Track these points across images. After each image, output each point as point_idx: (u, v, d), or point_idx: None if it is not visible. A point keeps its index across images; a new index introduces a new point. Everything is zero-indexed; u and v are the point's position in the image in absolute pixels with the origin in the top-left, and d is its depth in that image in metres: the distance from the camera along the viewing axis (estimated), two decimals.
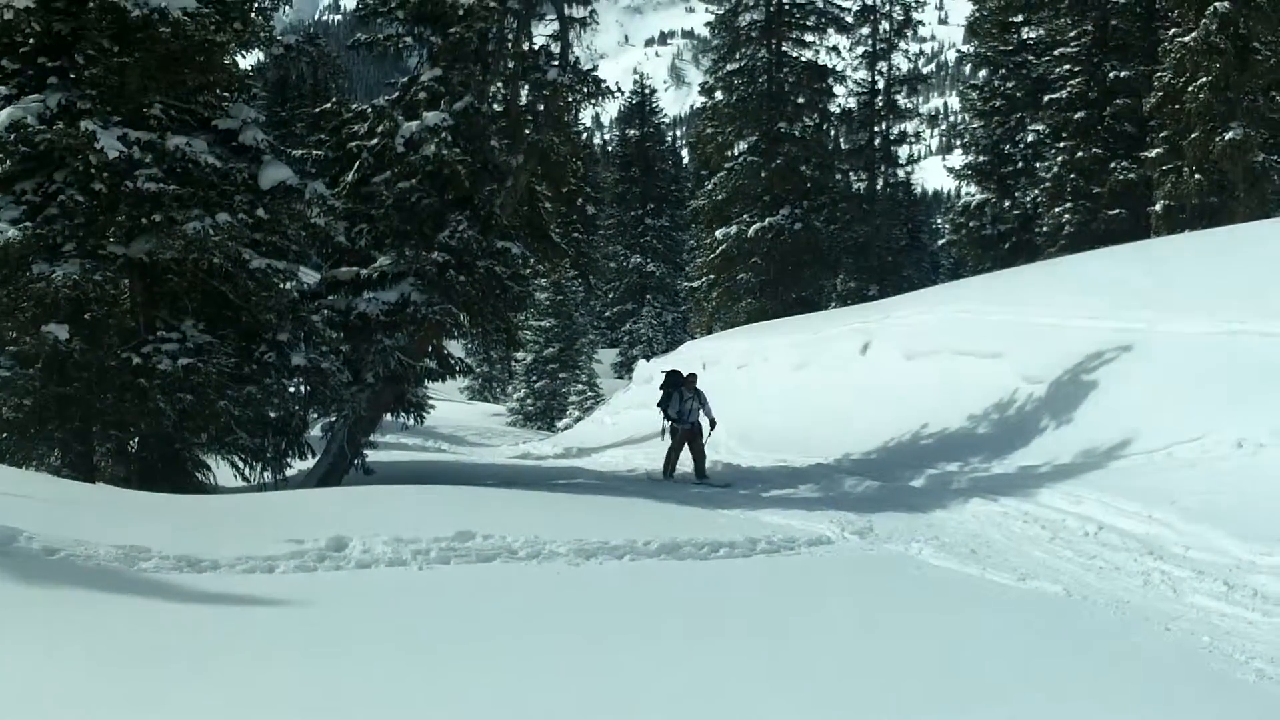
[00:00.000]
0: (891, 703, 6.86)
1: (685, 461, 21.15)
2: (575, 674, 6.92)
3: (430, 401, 22.61)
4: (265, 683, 6.31)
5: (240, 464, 17.40)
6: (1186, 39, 33.47)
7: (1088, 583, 10.85)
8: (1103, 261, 25.24)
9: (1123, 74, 39.95)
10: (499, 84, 20.92)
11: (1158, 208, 35.61)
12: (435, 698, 6.30)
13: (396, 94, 20.13)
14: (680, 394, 21.22)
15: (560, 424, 48.54)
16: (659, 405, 21.54)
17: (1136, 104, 38.45)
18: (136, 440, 16.29)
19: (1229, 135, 32.63)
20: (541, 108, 20.84)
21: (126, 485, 14.67)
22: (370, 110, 19.79)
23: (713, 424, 21.30)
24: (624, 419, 34.20)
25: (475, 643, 7.50)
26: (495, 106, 20.91)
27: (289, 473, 18.28)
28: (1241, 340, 16.34)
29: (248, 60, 19.00)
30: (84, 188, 14.79)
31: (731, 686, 6.90)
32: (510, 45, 20.50)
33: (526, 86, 20.93)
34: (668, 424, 21.31)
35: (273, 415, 17.29)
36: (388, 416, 21.67)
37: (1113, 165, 39.82)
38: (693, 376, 21.85)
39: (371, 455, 21.10)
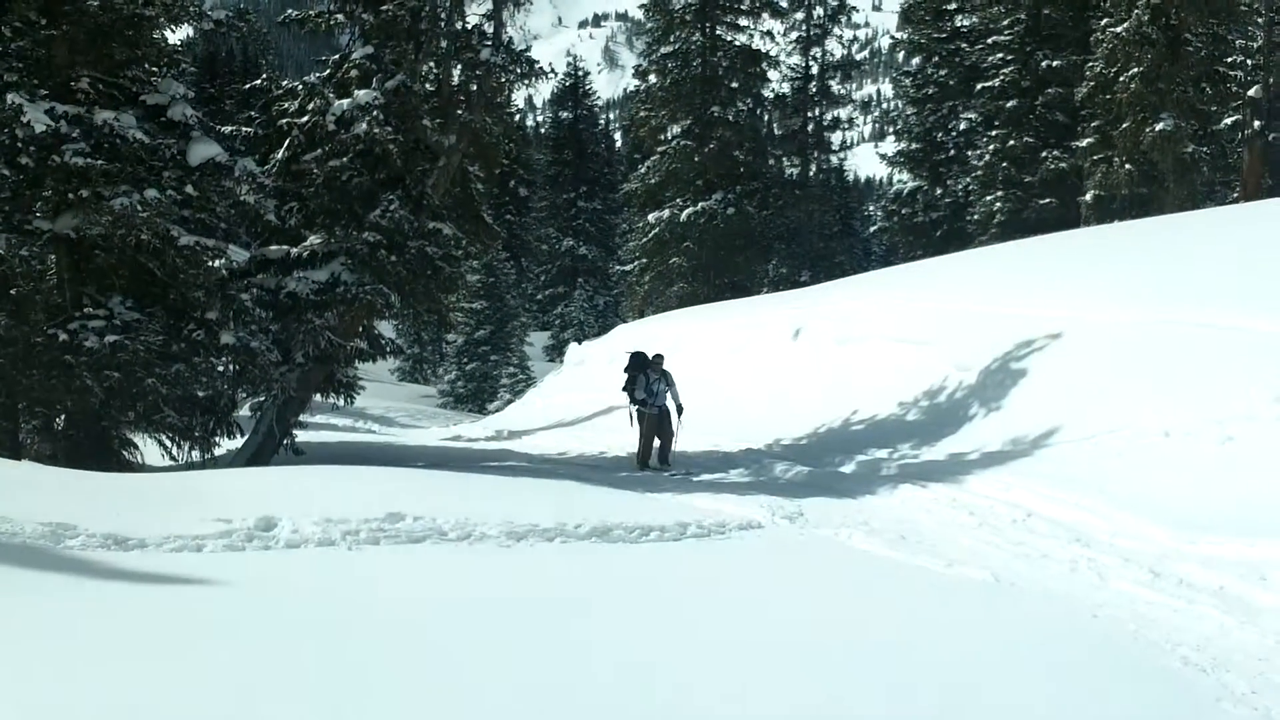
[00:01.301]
0: (816, 684, 6.88)
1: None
2: (505, 656, 6.88)
3: (360, 382, 22.42)
4: (190, 661, 6.24)
5: (168, 443, 17.24)
6: (1119, 29, 33.77)
7: (1015, 569, 10.93)
8: (1033, 250, 25.46)
9: (1055, 63, 40.29)
10: (431, 63, 20.78)
11: (1088, 197, 35.93)
12: (358, 680, 6.24)
13: (328, 71, 19.95)
14: (646, 376, 20.14)
15: (491, 406, 48.48)
16: (624, 389, 20.48)
17: (1068, 93, 38.79)
18: (63, 418, 16.13)
19: (1159, 126, 32.98)
20: (474, 88, 20.72)
21: (53, 463, 14.48)
22: (301, 87, 19.61)
23: (679, 409, 20.15)
24: (555, 402, 34.17)
25: (400, 626, 7.45)
26: (428, 86, 20.78)
27: (217, 452, 18.13)
28: (1169, 330, 16.48)
29: (177, 35, 18.80)
30: (10, 161, 14.63)
31: (660, 669, 6.90)
32: (443, 24, 20.36)
33: (459, 66, 20.80)
34: (634, 408, 20.21)
35: (201, 394, 17.15)
36: (317, 397, 21.54)
37: (1044, 154, 40.18)
38: (659, 357, 20.58)
39: (301, 435, 20.95)
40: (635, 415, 20.20)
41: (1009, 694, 7.11)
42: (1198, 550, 10.96)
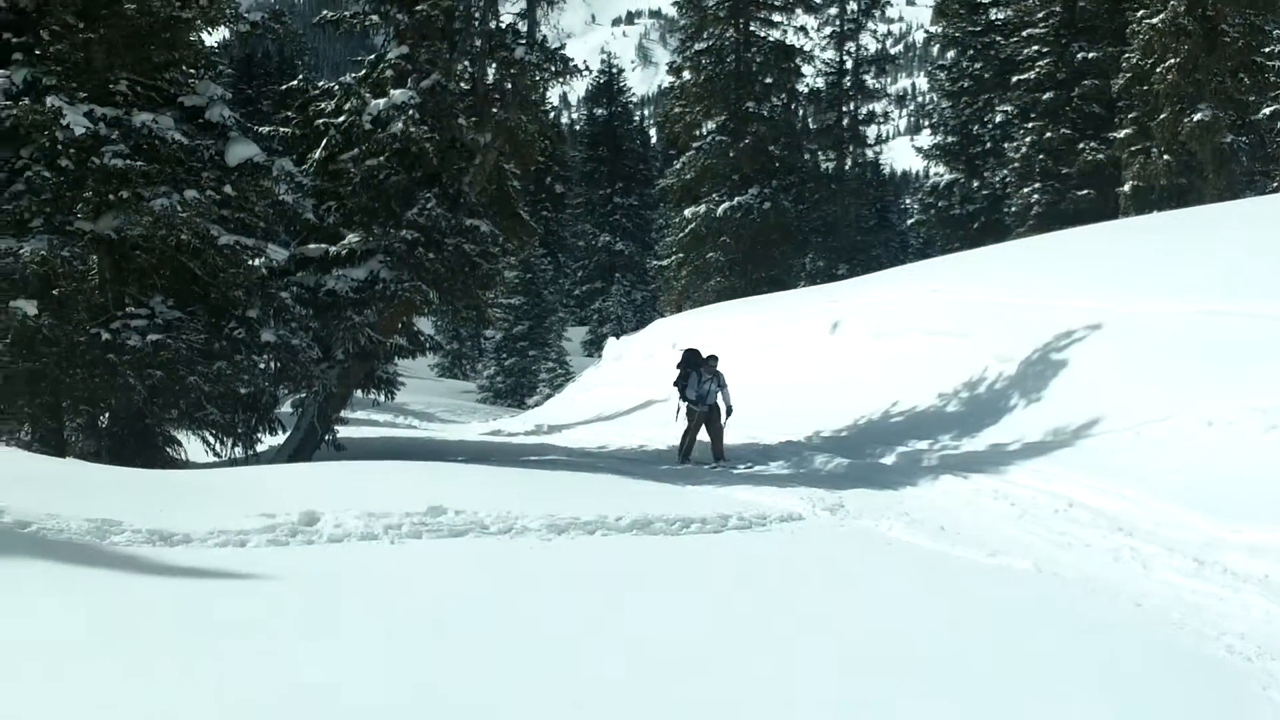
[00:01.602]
0: (863, 676, 6.90)
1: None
2: (548, 652, 6.93)
3: (400, 378, 22.54)
4: (237, 656, 6.30)
5: (211, 439, 17.40)
6: (1154, 20, 33.58)
7: (1057, 559, 10.90)
8: (1072, 241, 25.34)
9: (1091, 55, 40.10)
10: (466, 62, 20.82)
11: (1126, 188, 35.75)
12: (403, 677, 6.30)
13: (363, 71, 20.07)
14: (699, 375, 19.93)
15: (530, 401, 48.56)
16: (675, 384, 20.32)
17: (1105, 85, 38.60)
18: (107, 416, 16.27)
19: (1197, 116, 32.79)
20: (509, 86, 20.76)
21: (97, 460, 14.61)
22: (337, 88, 19.73)
23: (729, 411, 19.88)
24: (594, 396, 34.22)
25: (447, 619, 7.50)
26: (462, 85, 20.82)
27: (260, 448, 18.26)
28: (1209, 320, 16.40)
29: (214, 37, 18.96)
30: (51, 164, 14.75)
31: (709, 659, 6.93)
32: (477, 23, 20.42)
33: (494, 65, 20.84)
34: (683, 404, 20.06)
35: (243, 391, 17.25)
36: (358, 393, 21.62)
37: (1081, 146, 40.00)
38: (713, 358, 20.25)
39: (342, 431, 21.06)
40: (683, 411, 20.08)
41: (1053, 684, 7.11)
42: (1242, 539, 10.91)
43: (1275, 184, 37.21)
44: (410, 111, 18.69)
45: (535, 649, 6.87)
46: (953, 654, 7.50)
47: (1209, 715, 6.95)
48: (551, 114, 46.26)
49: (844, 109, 51.07)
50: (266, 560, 8.69)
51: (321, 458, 18.81)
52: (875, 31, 52.58)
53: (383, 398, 21.87)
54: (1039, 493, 13.90)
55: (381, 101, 18.86)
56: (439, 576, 8.79)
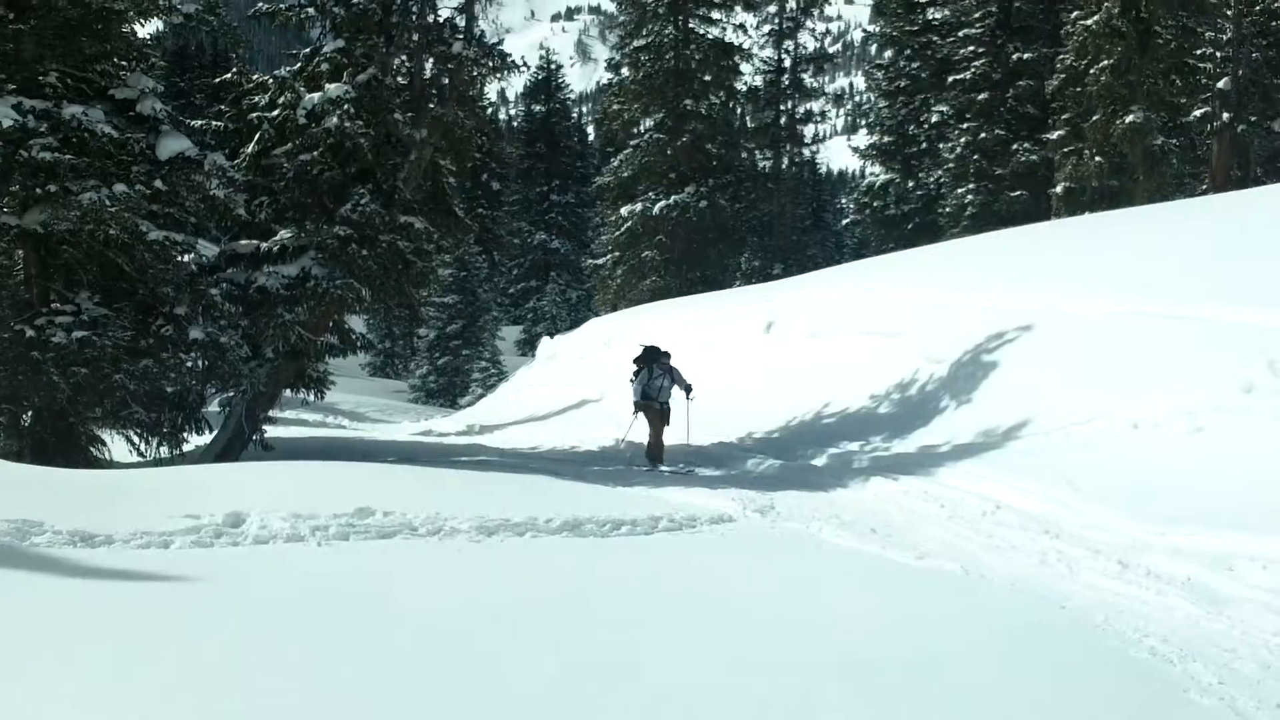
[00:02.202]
0: (790, 675, 6.88)
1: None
2: (471, 652, 6.87)
3: (331, 377, 22.36)
4: (154, 658, 6.21)
5: (136, 439, 17.17)
6: (1089, 22, 33.89)
7: (985, 561, 10.97)
8: (1004, 242, 25.54)
9: (1025, 56, 40.43)
10: (403, 57, 20.69)
11: (1059, 189, 36.07)
12: (324, 676, 6.23)
13: (298, 65, 19.89)
14: (651, 370, 19.69)
15: (463, 401, 48.43)
16: (631, 381, 20.04)
17: (1039, 86, 38.94)
18: (30, 414, 16.02)
19: (1129, 118, 33.13)
20: (446, 81, 20.67)
21: (19, 459, 14.39)
22: (271, 81, 19.55)
23: (688, 390, 19.68)
24: (527, 396, 34.14)
25: (372, 621, 7.43)
26: (399, 80, 20.69)
27: (186, 448, 18.05)
28: (1139, 321, 16.54)
29: (146, 29, 18.72)
30: None
31: (640, 661, 6.89)
32: (415, 18, 20.29)
33: (431, 60, 20.74)
34: (636, 402, 19.77)
35: (169, 390, 17.06)
36: (287, 392, 21.43)
37: (1015, 147, 40.32)
38: (665, 354, 19.97)
39: (270, 431, 20.86)
40: (636, 409, 19.84)
41: (977, 686, 7.13)
42: (1166, 541, 11.01)
43: (1205, 186, 37.63)
44: (345, 106, 18.54)
45: (450, 648, 6.81)
46: (877, 656, 7.50)
47: (1131, 717, 6.99)
48: (489, 110, 45.94)
49: (782, 108, 51.19)
50: (189, 562, 8.59)
51: (249, 458, 18.63)
52: (814, 30, 52.70)
53: (312, 397, 21.65)
54: (968, 494, 13.97)
55: (316, 96, 18.70)
56: (362, 578, 8.70)
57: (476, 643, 7.09)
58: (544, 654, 6.94)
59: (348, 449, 22.53)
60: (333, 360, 21.87)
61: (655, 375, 19.65)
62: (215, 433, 19.33)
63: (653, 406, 19.57)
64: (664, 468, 18.51)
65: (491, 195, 68.49)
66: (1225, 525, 10.81)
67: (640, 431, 19.96)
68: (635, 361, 20.14)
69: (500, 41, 21.73)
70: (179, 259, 16.61)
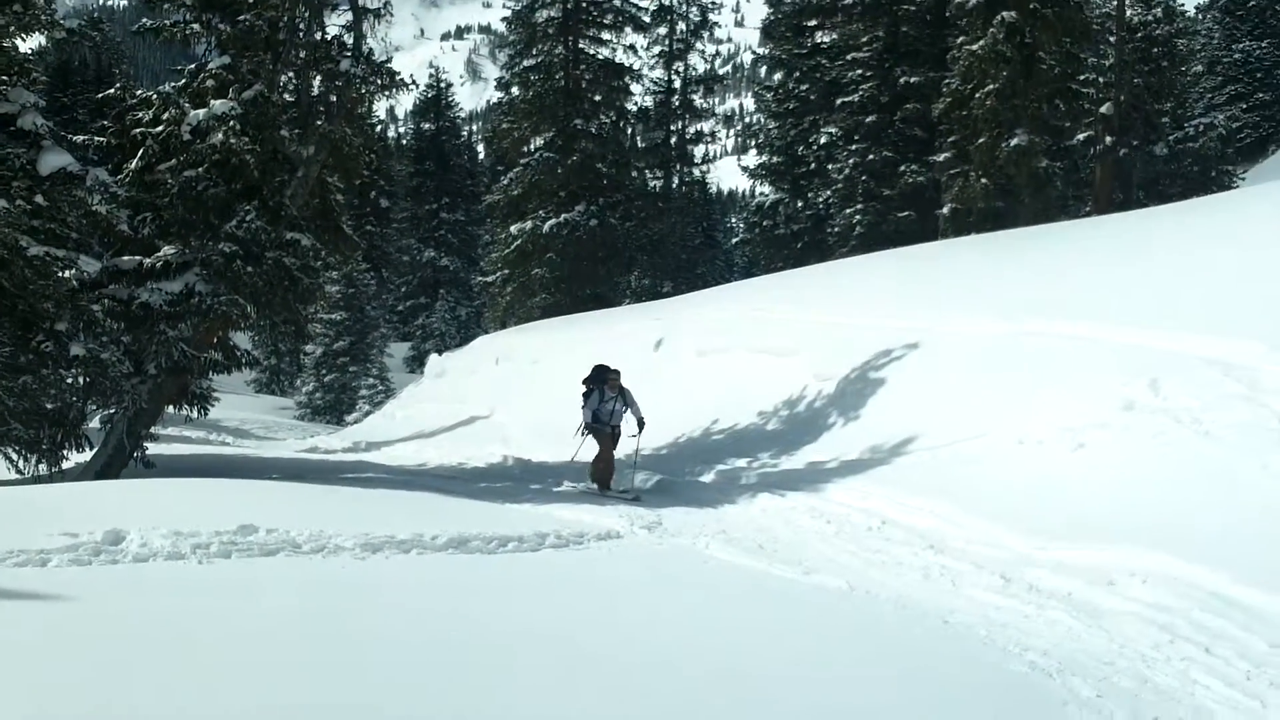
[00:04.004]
0: (673, 691, 6.89)
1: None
2: (345, 674, 6.81)
3: (215, 394, 22.09)
4: (27, 676, 6.10)
5: (14, 456, 16.84)
6: (975, 47, 34.37)
7: (871, 576, 11.08)
8: (892, 262, 25.82)
9: (913, 79, 40.91)
10: (290, 73, 20.52)
11: (945, 210, 36.53)
12: (200, 695, 6.15)
13: (184, 81, 19.66)
14: (602, 392, 18.58)
15: (350, 418, 47.99)
16: (582, 406, 18.89)
17: (926, 109, 39.40)
18: None
19: (1014, 141, 33.65)
20: (334, 98, 20.52)
21: None
22: (156, 97, 19.28)
23: (640, 423, 18.42)
24: (415, 413, 33.95)
25: (244, 639, 7.34)
26: (286, 96, 20.51)
27: (65, 466, 17.73)
28: (1023, 340, 16.81)
29: (28, 44, 18.39)
30: None
31: (502, 681, 6.86)
32: (302, 34, 20.14)
33: (319, 77, 20.59)
34: (583, 425, 18.75)
35: (49, 406, 16.77)
36: (170, 409, 21.12)
37: (902, 168, 40.76)
38: (615, 373, 18.75)
39: (152, 448, 20.55)
40: (583, 431, 18.88)
41: (861, 701, 7.18)
42: (1048, 556, 11.19)
43: (1088, 208, 38.34)
44: (231, 122, 18.34)
45: (330, 665, 6.75)
46: (763, 672, 7.53)
47: None
48: (378, 127, 45.70)
49: (672, 128, 51.44)
50: (67, 580, 8.43)
51: (130, 475, 18.35)
52: (703, 52, 53.05)
53: (196, 414, 21.33)
54: (855, 510, 14.11)
55: (202, 112, 18.48)
56: (244, 596, 8.59)
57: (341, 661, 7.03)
58: (416, 673, 6.89)
59: (231, 466, 22.24)
60: (217, 377, 21.60)
61: (606, 398, 18.61)
62: (96, 450, 19.00)
63: (603, 430, 18.53)
64: (613, 493, 17.71)
65: (380, 212, 68.05)
66: (1106, 540, 11.01)
67: (589, 452, 19.00)
68: (585, 382, 19.15)
69: (389, 59, 21.62)
70: (60, 274, 16.34)
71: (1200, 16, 71.28)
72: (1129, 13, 41.16)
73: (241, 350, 21.05)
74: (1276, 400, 12.41)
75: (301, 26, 20.13)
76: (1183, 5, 50.23)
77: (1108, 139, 38.38)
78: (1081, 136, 39.66)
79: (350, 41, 20.66)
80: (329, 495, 14.47)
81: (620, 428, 18.70)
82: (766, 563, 11.70)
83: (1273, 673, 8.25)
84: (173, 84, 19.71)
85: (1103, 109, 39.33)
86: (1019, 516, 12.34)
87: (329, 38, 20.65)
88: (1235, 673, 8.32)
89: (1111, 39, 41.18)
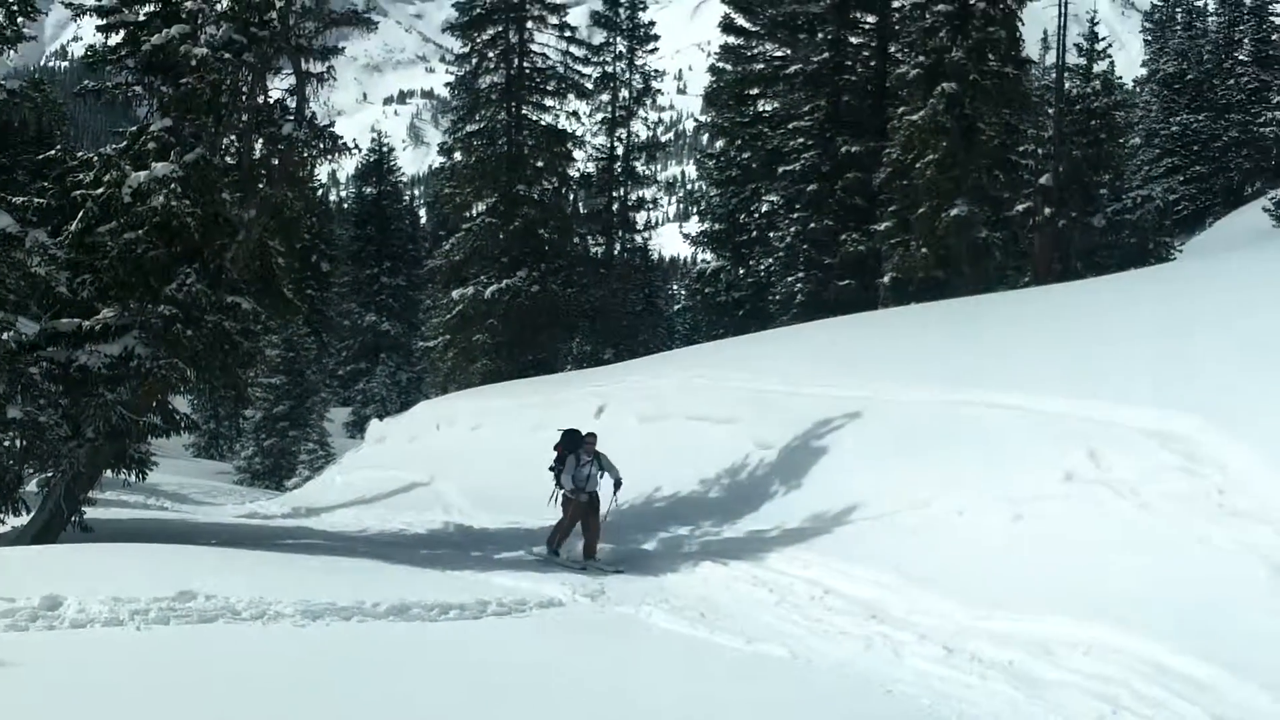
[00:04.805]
0: None
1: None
2: None
3: (154, 458, 21.85)
4: None
5: None
6: (915, 117, 34.72)
7: (813, 646, 11.07)
8: (833, 330, 25.97)
9: (854, 149, 41.14)
10: (232, 137, 20.46)
11: (886, 279, 36.74)
12: None
13: (125, 143, 19.55)
14: (578, 457, 17.86)
15: (290, 483, 47.60)
16: (551, 469, 18.26)
17: (867, 178, 39.67)
18: None
19: (954, 211, 33.92)
20: (276, 162, 20.47)
21: None
22: (97, 159, 19.18)
23: (617, 483, 17.77)
24: (355, 478, 33.72)
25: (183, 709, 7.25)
26: (228, 159, 20.44)
27: (2, 530, 17.50)
28: (964, 410, 16.91)
29: None
30: None
31: None
32: (245, 98, 20.09)
33: (261, 140, 20.54)
34: (560, 492, 18.07)
35: None
36: (108, 473, 20.88)
37: (844, 237, 40.94)
38: (591, 436, 18.26)
39: (90, 512, 20.28)
40: (560, 499, 18.16)
41: None
42: (989, 626, 11.22)
43: (1027, 278, 38.71)
44: (172, 185, 18.24)
45: None
46: None
47: None
48: (319, 191, 45.56)
49: (614, 194, 51.56)
50: (3, 646, 8.31)
51: (68, 540, 18.12)
52: (646, 119, 53.24)
53: (134, 478, 21.10)
54: (797, 580, 14.11)
55: (143, 174, 18.38)
56: (180, 664, 8.49)
57: None
58: None
59: (170, 531, 22.01)
60: (156, 441, 21.36)
61: (582, 462, 17.89)
62: (33, 513, 18.77)
63: (580, 497, 17.84)
64: (606, 567, 16.89)
65: (321, 276, 67.41)
66: (1046, 610, 11.07)
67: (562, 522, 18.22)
68: (556, 448, 18.40)
69: (332, 124, 21.61)
70: None
71: (1138, 89, 72.49)
72: (1067, 85, 41.74)
73: (181, 414, 20.87)
74: (1214, 472, 12.52)
75: (244, 90, 20.09)
76: (1121, 78, 51.04)
77: (1046, 210, 38.83)
78: (1021, 207, 40.05)
79: (293, 105, 20.64)
80: (268, 561, 14.37)
81: (597, 494, 18.00)
82: (708, 631, 11.68)
83: None
84: (114, 146, 19.60)
85: (1041, 180, 39.80)
86: (960, 586, 12.38)
87: (271, 101, 20.63)
88: None
89: (1050, 110, 41.73)
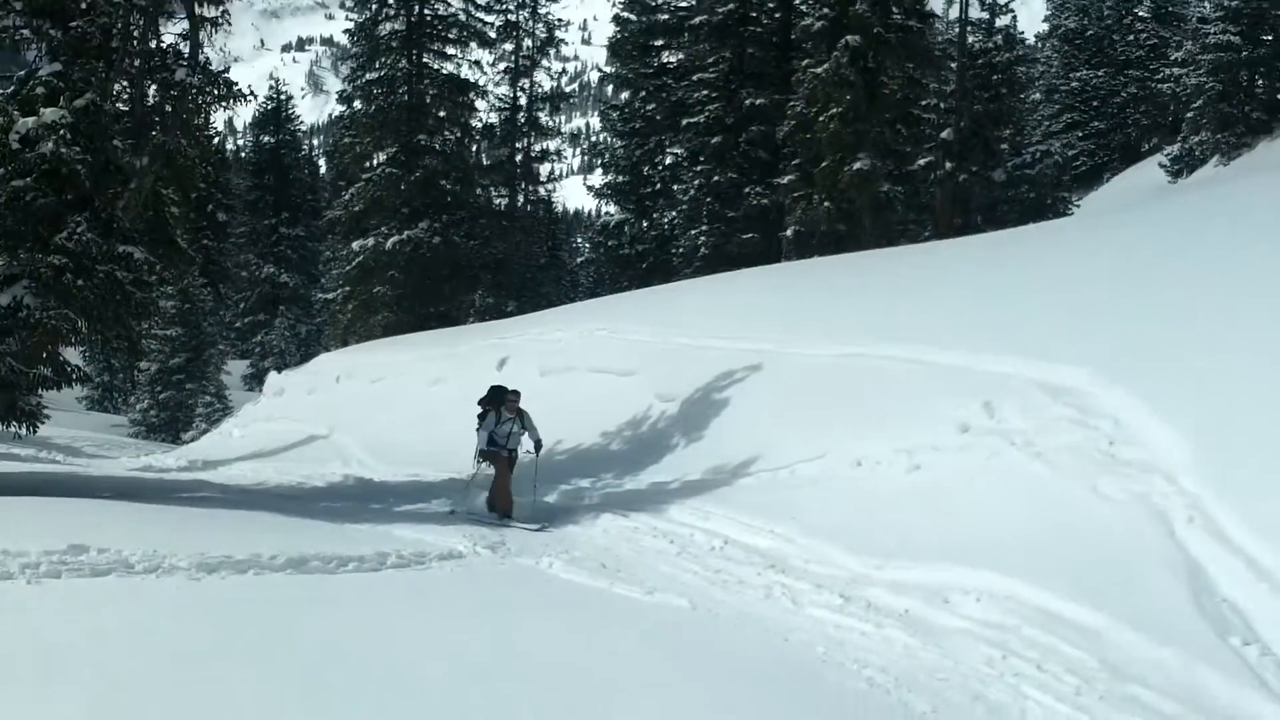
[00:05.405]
0: (505, 714, 6.81)
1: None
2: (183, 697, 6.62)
3: (45, 411, 21.43)
4: None
5: None
6: (819, 70, 34.81)
7: (712, 596, 11.10)
8: (736, 284, 25.98)
9: (758, 102, 41.16)
10: (124, 82, 20.04)
11: (789, 233, 36.88)
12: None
13: (13, 88, 19.07)
14: (499, 414, 17.47)
15: (186, 436, 47.08)
16: (478, 429, 17.74)
17: (771, 131, 39.73)
18: None
19: (857, 165, 34.11)
20: (169, 109, 20.08)
21: None
22: None
23: (538, 444, 17.61)
24: (253, 431, 33.37)
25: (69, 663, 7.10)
26: (120, 106, 20.02)
27: None
28: (861, 362, 17.01)
29: None
30: None
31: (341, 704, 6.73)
32: (137, 43, 19.68)
33: (154, 86, 20.13)
34: (481, 450, 17.59)
35: None
36: None
37: (747, 190, 41.02)
38: (515, 394, 17.71)
39: None
40: (482, 457, 17.70)
41: (704, 717, 7.16)
42: (886, 575, 11.32)
43: (928, 232, 39.03)
44: (62, 131, 17.82)
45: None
46: (608, 693, 7.47)
47: None
48: (215, 139, 44.82)
49: (517, 145, 51.29)
50: None
51: None
52: (550, 69, 52.99)
53: (25, 431, 20.71)
54: (697, 531, 14.14)
55: (31, 120, 17.94)
56: (72, 617, 8.32)
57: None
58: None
59: (62, 484, 21.62)
60: (47, 393, 20.95)
61: (504, 419, 17.51)
62: None
63: (500, 454, 17.46)
64: (516, 524, 16.41)
65: (217, 226, 66.87)
66: (942, 559, 11.17)
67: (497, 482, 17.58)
68: (480, 403, 18.02)
69: (227, 70, 21.21)
70: None
71: (1040, 45, 73.20)
72: (970, 39, 42.01)
73: (72, 366, 20.48)
74: (1105, 424, 12.70)
75: (136, 34, 19.67)
76: (1023, 33, 51.42)
77: (948, 164, 39.15)
78: (922, 161, 40.35)
79: (187, 51, 20.23)
80: (163, 514, 14.15)
81: (517, 451, 17.73)
82: (609, 582, 11.67)
83: (1101, 688, 8.42)
84: (1, 91, 19.13)
85: (943, 134, 40.12)
86: (858, 536, 12.47)
87: (165, 46, 20.22)
88: (1065, 688, 8.48)
89: (953, 65, 42.01)
